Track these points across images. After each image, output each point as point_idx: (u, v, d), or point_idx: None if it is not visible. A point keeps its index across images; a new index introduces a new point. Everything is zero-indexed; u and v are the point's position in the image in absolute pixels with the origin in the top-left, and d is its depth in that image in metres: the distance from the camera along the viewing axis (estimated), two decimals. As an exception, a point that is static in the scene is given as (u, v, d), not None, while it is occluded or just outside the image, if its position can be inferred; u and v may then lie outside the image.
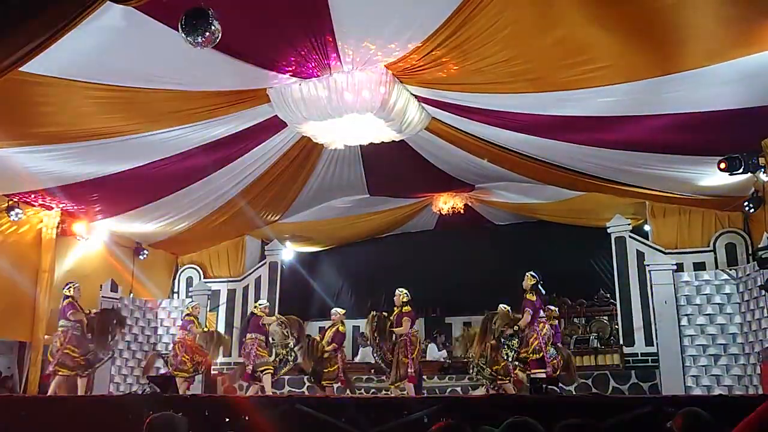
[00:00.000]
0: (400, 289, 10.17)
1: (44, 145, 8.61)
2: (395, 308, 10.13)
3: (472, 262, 14.75)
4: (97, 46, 6.63)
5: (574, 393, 10.18)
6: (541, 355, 9.30)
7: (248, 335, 10.59)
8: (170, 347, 11.79)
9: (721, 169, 8.78)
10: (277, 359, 10.55)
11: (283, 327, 10.67)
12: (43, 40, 5.56)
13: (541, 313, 9.54)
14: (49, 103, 7.62)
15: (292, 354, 10.61)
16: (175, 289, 14.50)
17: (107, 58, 6.97)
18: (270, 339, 10.69)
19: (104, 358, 10.64)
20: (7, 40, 5.37)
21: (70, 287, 10.28)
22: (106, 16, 5.99)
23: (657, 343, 11.13)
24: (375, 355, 10.43)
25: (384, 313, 10.33)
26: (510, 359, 9.65)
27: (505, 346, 9.69)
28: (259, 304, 10.94)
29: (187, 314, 11.39)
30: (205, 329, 11.81)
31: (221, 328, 13.78)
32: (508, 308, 9.83)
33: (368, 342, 13.97)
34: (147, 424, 3.49)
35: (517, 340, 9.61)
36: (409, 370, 9.68)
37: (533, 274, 9.61)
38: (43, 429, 6.97)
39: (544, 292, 9.77)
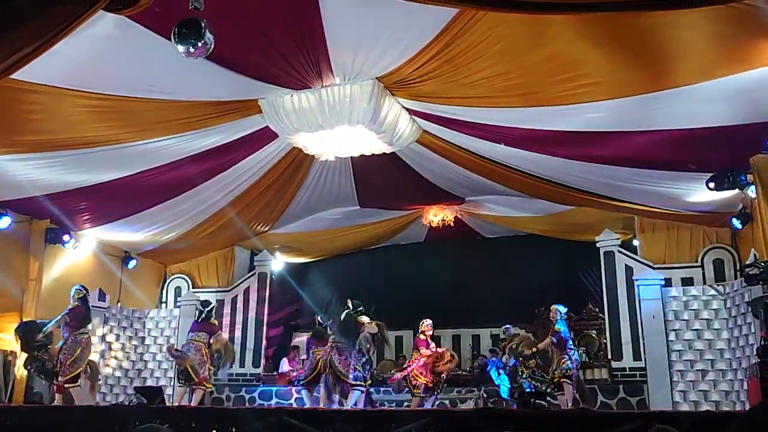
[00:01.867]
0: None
1: (33, 152, 8.58)
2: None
3: (461, 274, 14.74)
4: (88, 55, 6.62)
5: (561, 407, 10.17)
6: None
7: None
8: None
9: (710, 188, 8.87)
10: None
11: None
12: (38, 46, 5.55)
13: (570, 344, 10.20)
14: (38, 111, 7.58)
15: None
16: (164, 299, 14.42)
17: (98, 66, 6.97)
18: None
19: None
20: (7, 40, 5.35)
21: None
22: (98, 24, 5.99)
23: (645, 358, 11.15)
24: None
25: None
26: (524, 377, 10.36)
27: (520, 365, 10.49)
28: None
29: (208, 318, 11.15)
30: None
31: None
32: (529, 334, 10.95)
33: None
34: (133, 435, 3.47)
35: (534, 360, 10.36)
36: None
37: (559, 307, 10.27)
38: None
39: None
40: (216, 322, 11.02)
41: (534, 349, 10.35)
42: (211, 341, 10.32)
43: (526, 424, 5.58)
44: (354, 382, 9.50)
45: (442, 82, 7.73)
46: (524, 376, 10.37)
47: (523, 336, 11.01)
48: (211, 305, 10.98)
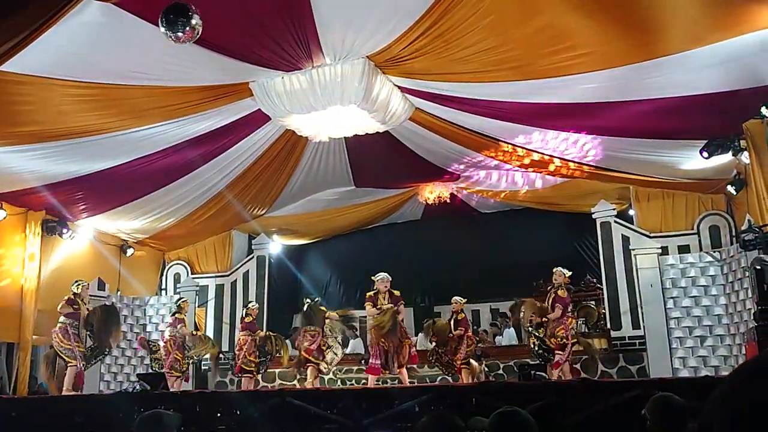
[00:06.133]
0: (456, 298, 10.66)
1: (25, 144, 8.55)
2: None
3: (459, 250, 14.78)
4: (76, 43, 6.58)
5: (562, 378, 10.25)
6: (563, 342, 9.53)
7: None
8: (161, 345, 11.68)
9: (704, 156, 8.88)
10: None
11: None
12: (26, 35, 5.52)
13: (569, 310, 9.79)
14: (28, 102, 7.56)
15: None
16: (163, 286, 14.45)
17: (86, 55, 6.93)
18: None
19: (104, 353, 10.48)
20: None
21: (78, 285, 10.07)
22: (84, 12, 5.95)
23: (644, 326, 11.21)
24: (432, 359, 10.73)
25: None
26: (535, 348, 9.95)
27: (532, 335, 10.01)
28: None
29: (176, 312, 11.32)
30: (194, 332, 11.52)
31: (210, 324, 13.77)
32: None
33: (357, 335, 14.04)
34: (138, 421, 3.48)
35: (543, 329, 9.83)
36: None
37: (564, 271, 9.85)
38: (34, 429, 6.95)
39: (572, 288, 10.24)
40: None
41: (545, 319, 9.74)
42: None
43: (527, 396, 5.64)
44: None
45: (433, 59, 7.70)
46: (536, 349, 9.89)
47: (530, 302, 10.23)
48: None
